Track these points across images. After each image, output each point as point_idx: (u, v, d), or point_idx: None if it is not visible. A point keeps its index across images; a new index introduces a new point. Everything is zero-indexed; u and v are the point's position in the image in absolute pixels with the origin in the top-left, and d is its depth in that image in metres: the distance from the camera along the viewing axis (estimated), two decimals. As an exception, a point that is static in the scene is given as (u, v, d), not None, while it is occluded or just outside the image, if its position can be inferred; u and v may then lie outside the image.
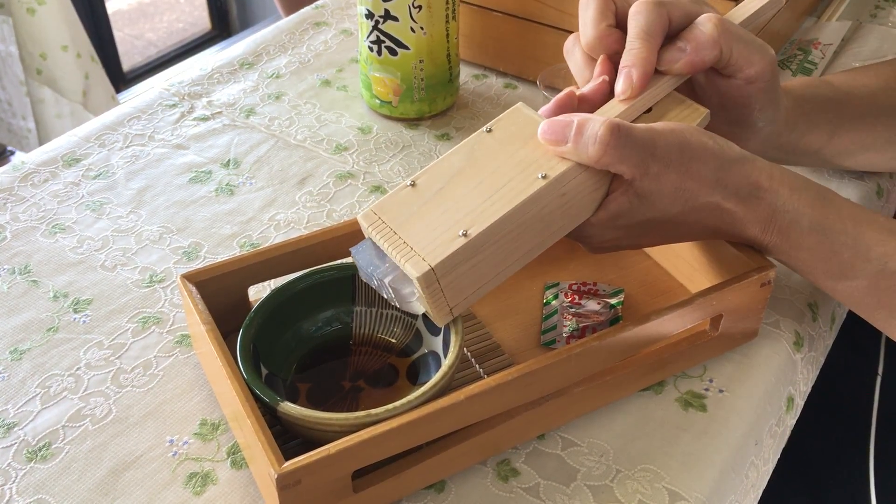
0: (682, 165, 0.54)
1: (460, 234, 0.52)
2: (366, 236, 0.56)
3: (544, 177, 0.53)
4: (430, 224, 0.53)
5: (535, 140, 0.55)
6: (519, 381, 0.53)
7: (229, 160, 0.84)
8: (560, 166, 0.54)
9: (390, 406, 0.51)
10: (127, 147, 0.85)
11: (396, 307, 0.61)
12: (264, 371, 0.57)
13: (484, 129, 0.58)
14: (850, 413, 1.01)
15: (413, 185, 0.55)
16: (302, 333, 0.61)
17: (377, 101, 0.89)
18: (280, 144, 0.86)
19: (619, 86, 0.58)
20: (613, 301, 0.66)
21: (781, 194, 0.57)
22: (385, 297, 0.56)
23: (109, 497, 0.55)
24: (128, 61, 2.80)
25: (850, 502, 0.98)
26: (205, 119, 0.89)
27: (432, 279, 0.51)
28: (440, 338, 0.58)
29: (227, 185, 0.80)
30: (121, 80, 2.67)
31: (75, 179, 0.81)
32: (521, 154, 0.55)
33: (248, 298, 0.63)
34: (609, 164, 0.53)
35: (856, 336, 0.89)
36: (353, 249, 0.57)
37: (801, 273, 0.60)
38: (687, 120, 0.60)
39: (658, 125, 0.55)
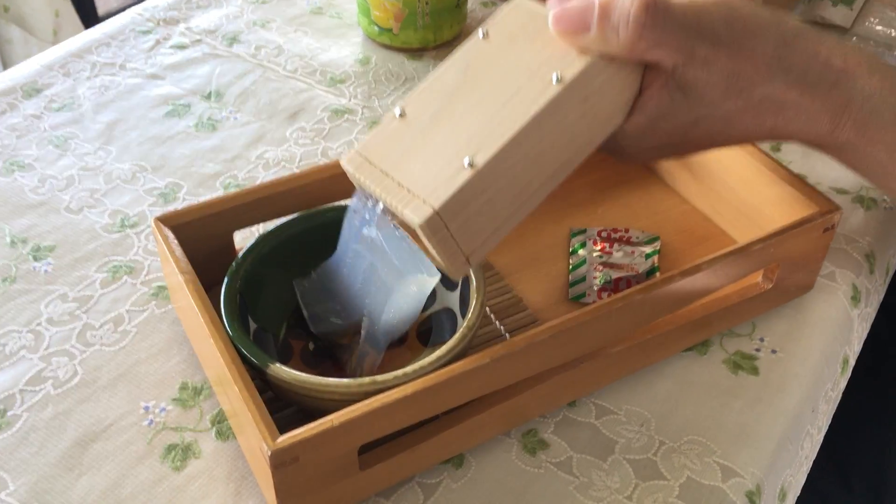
0: (735, 44, 0.44)
1: (465, 164, 0.42)
2: (354, 185, 0.47)
3: (559, 79, 0.43)
4: (428, 158, 0.44)
5: (543, 36, 0.45)
6: (552, 340, 0.46)
7: (210, 92, 0.75)
8: (577, 63, 0.44)
9: (399, 372, 0.43)
10: (95, 76, 0.76)
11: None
12: (253, 326, 0.49)
13: (478, 33, 0.47)
14: (877, 377, 0.94)
15: (402, 114, 0.46)
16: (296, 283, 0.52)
17: (376, 28, 0.80)
18: (268, 75, 0.77)
19: None
20: (648, 250, 0.59)
21: (859, 77, 0.46)
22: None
23: (74, 472, 0.47)
24: (103, 5, 2.66)
25: (877, 473, 0.92)
26: (183, 47, 0.80)
27: (438, 225, 0.42)
28: (457, 293, 0.50)
29: (208, 119, 0.72)
30: (95, 22, 2.54)
31: (36, 111, 0.72)
32: (526, 56, 0.45)
33: (233, 245, 0.55)
34: (645, 50, 0.43)
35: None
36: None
37: (870, 176, 0.51)
38: None
39: None
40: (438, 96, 0.46)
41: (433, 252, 0.44)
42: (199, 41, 0.81)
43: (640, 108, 0.46)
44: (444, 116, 0.45)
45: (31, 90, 0.74)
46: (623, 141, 0.47)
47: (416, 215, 0.42)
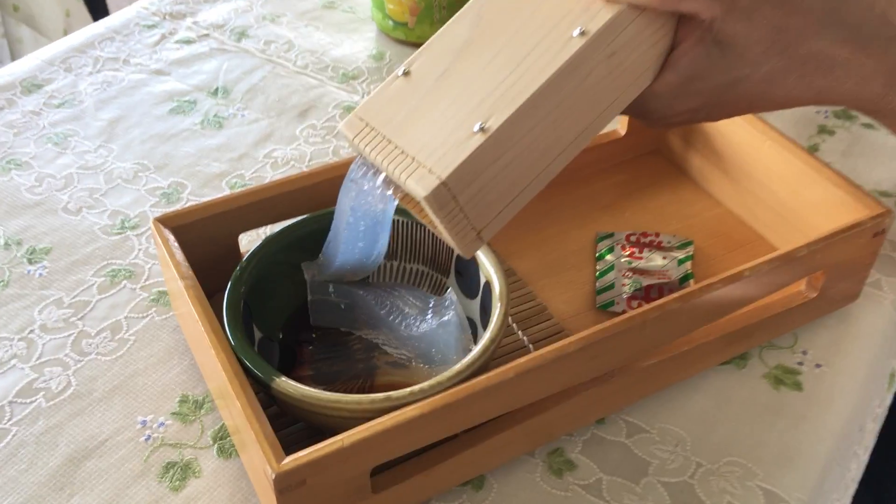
0: None
1: (476, 129, 0.38)
2: (353, 152, 0.43)
3: (582, 33, 0.39)
4: (435, 122, 0.39)
5: None
6: (582, 353, 0.42)
7: (217, 88, 0.71)
8: (603, 15, 0.39)
9: (416, 388, 0.40)
10: (97, 72, 0.73)
11: (426, 264, 0.50)
12: (258, 335, 0.46)
13: None
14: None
15: (406, 74, 0.41)
16: (305, 290, 0.49)
17: (390, 22, 0.76)
18: (278, 71, 0.74)
19: None
20: (681, 255, 0.55)
21: None
22: None
23: (65, 492, 0.44)
24: (115, 5, 2.64)
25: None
26: (189, 42, 0.77)
27: (446, 197, 0.38)
28: (477, 301, 0.47)
29: (214, 116, 0.68)
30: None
31: (36, 108, 0.69)
32: (546, 8, 0.41)
33: (238, 249, 0.52)
34: (679, 0, 0.39)
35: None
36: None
37: None
38: None
39: None
40: (447, 53, 0.41)
41: (440, 228, 0.39)
42: (206, 36, 0.78)
43: (672, 66, 0.41)
44: (453, 75, 0.40)
45: (31, 86, 0.71)
46: (652, 103, 0.43)
47: (420, 186, 0.37)
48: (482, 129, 0.38)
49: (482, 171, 0.38)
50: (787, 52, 0.41)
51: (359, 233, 0.44)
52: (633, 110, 0.43)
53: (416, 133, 0.39)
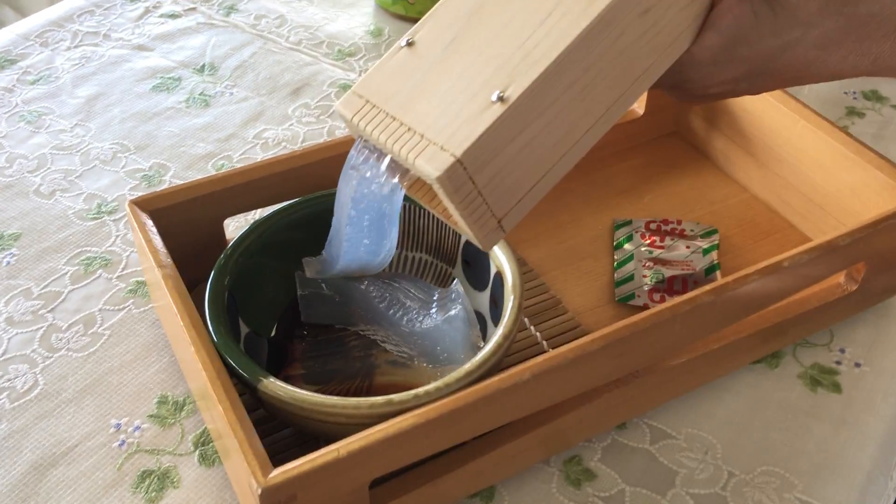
0: None
1: (494, 98, 0.33)
2: (353, 135, 0.38)
3: None
4: (446, 95, 0.34)
5: None
6: (605, 352, 0.38)
7: (204, 65, 0.67)
8: None
9: (420, 391, 0.36)
10: (75, 47, 0.68)
11: (430, 252, 0.46)
12: (244, 330, 0.42)
13: None
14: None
15: (410, 44, 0.37)
16: (296, 280, 0.45)
17: (389, -4, 0.72)
18: (269, 47, 0.69)
19: None
20: (706, 245, 0.51)
21: None
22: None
23: (29, 503, 0.39)
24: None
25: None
26: (174, 16, 0.72)
27: (462, 178, 0.33)
28: (487, 293, 0.43)
29: (200, 94, 0.64)
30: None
31: (8, 84, 0.65)
32: None
33: (223, 235, 0.48)
34: None
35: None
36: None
37: None
38: None
39: None
40: (455, 19, 0.36)
41: (456, 215, 0.35)
42: (192, 10, 0.73)
43: (714, 26, 0.37)
44: (464, 43, 0.35)
45: (4, 61, 0.67)
46: (690, 71, 0.38)
47: (431, 166, 0.33)
48: (501, 99, 0.33)
49: (502, 149, 0.33)
50: (845, 10, 0.36)
51: (363, 228, 0.40)
52: (668, 80, 0.38)
53: (425, 108, 0.34)
